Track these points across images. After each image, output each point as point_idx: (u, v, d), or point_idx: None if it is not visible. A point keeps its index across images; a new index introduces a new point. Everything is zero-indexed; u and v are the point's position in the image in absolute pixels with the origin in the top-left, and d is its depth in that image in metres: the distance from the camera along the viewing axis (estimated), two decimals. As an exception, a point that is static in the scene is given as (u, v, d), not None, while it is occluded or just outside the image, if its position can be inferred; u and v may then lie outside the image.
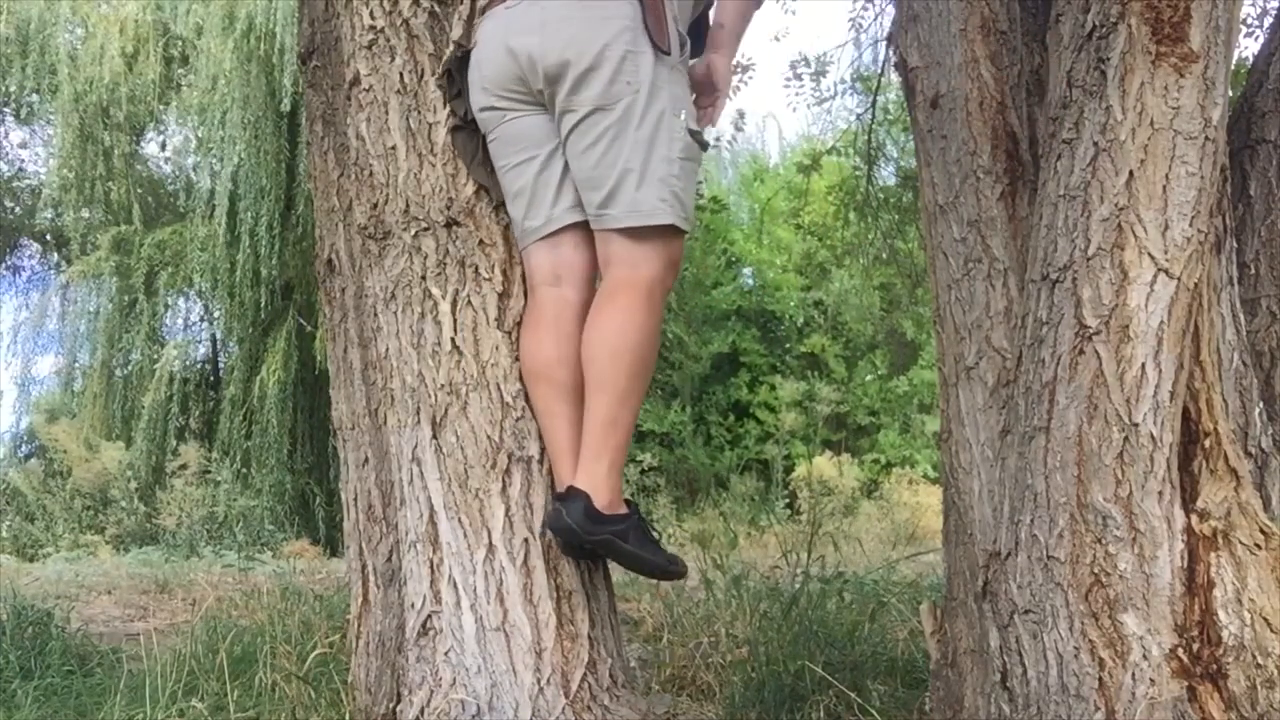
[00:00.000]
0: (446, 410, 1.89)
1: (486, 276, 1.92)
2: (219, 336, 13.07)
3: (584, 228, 1.87)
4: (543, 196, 1.86)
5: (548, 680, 1.82)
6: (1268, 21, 4.45)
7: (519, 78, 1.81)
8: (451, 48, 1.94)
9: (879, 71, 5.86)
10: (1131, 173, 1.58)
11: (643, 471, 11.45)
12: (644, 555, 1.81)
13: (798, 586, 3.00)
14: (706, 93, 1.96)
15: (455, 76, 1.93)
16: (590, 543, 1.75)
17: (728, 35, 1.92)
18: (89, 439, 11.19)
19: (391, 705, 2.02)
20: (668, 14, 1.78)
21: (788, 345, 15.31)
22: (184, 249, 11.63)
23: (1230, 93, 1.71)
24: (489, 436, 1.87)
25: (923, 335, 13.20)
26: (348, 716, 2.20)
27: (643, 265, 1.78)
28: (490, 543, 1.89)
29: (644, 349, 1.77)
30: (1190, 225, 1.57)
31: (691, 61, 1.98)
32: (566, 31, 1.74)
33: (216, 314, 12.61)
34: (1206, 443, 1.63)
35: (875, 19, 6.15)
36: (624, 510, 1.81)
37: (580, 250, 1.87)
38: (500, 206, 1.96)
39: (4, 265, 13.63)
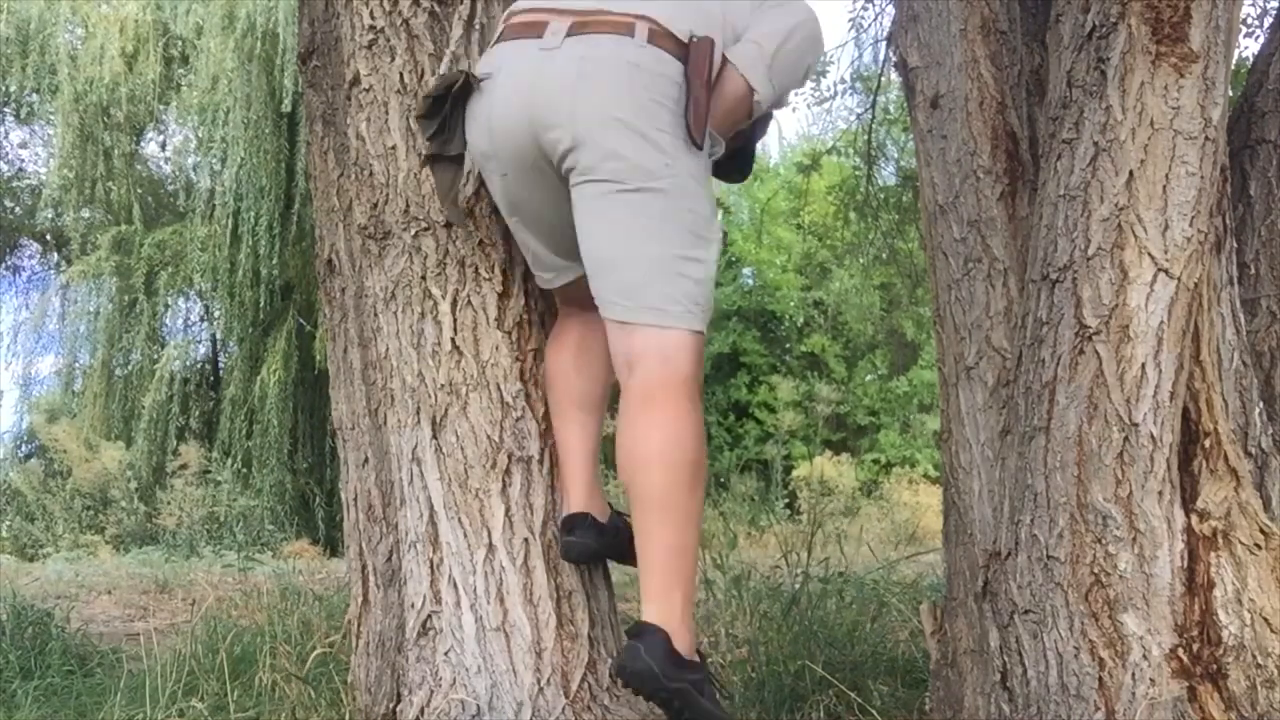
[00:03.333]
0: (446, 410, 1.89)
1: (486, 276, 1.92)
2: (219, 336, 13.07)
3: None
4: (549, 258, 1.74)
5: (548, 680, 1.82)
6: (1268, 21, 4.45)
7: (533, 134, 1.59)
8: (453, 72, 1.74)
9: (879, 71, 5.86)
10: (1131, 173, 1.58)
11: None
12: (717, 715, 1.58)
13: (798, 586, 3.00)
14: None
15: (449, 102, 1.70)
16: (668, 691, 1.51)
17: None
18: (89, 439, 11.20)
19: (391, 705, 2.02)
20: (710, 109, 1.57)
21: (788, 345, 15.33)
22: (184, 249, 11.64)
23: (1230, 93, 1.70)
24: (489, 436, 1.87)
25: (923, 335, 13.22)
26: (348, 716, 2.20)
27: (677, 359, 1.55)
28: (490, 543, 1.89)
29: (699, 457, 1.55)
30: (1190, 225, 1.57)
31: None
32: (601, 96, 1.53)
33: (216, 314, 12.62)
34: (1206, 443, 1.63)
35: (875, 19, 6.16)
36: (698, 658, 1.61)
37: None
38: (500, 206, 1.96)
39: (4, 265, 13.64)
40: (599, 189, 1.54)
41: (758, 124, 1.81)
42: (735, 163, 1.87)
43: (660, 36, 1.55)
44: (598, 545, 1.80)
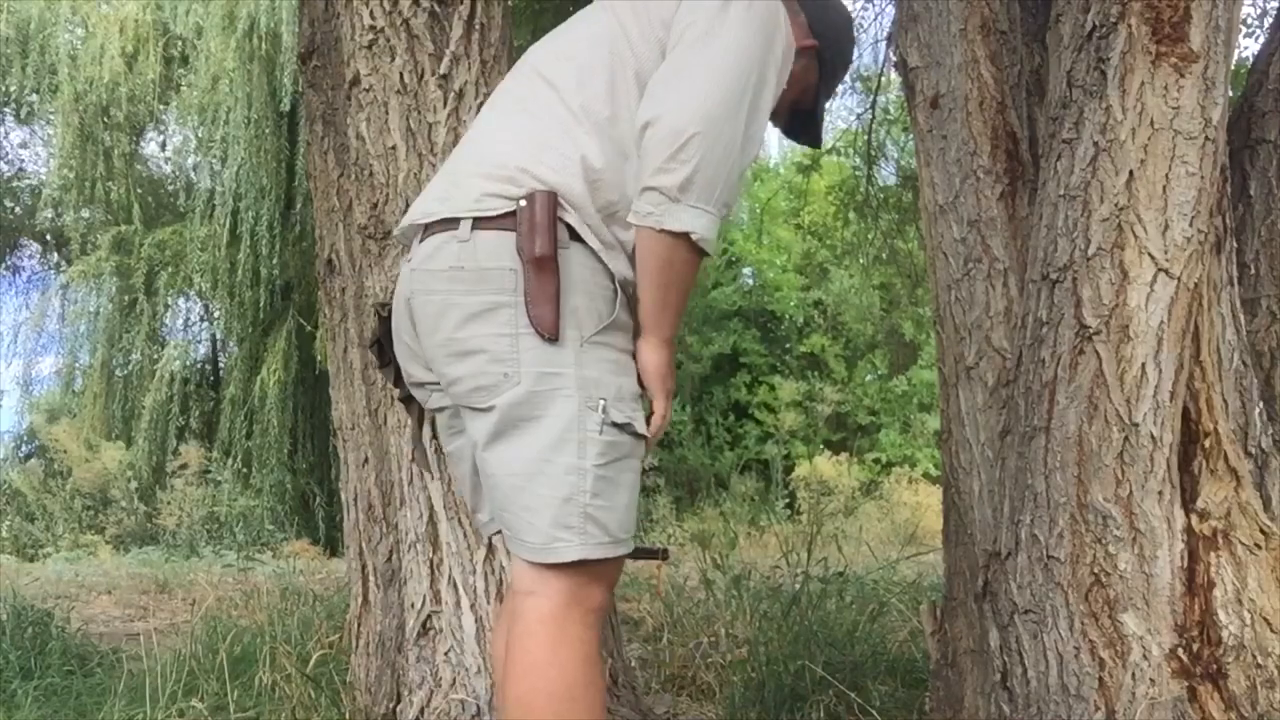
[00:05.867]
0: (446, 410, 1.88)
1: (486, 276, 1.92)
2: (219, 336, 13.09)
3: None
4: (482, 489, 1.45)
5: (548, 680, 1.82)
6: (1268, 21, 4.45)
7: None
8: (373, 315, 1.54)
9: (879, 71, 5.87)
10: (1131, 173, 1.58)
11: (643, 471, 11.44)
12: None
13: (798, 586, 3.01)
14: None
15: (385, 343, 1.52)
16: None
17: (643, 313, 1.38)
18: (89, 439, 11.21)
19: (391, 705, 2.02)
20: (558, 289, 1.29)
21: (788, 345, 15.34)
22: (184, 249, 11.65)
23: (1230, 93, 1.70)
24: (489, 436, 1.86)
25: (923, 335, 13.22)
26: (348, 716, 2.20)
27: (541, 594, 1.31)
28: (490, 543, 1.89)
29: (554, 700, 1.27)
30: (1190, 225, 1.57)
31: None
32: (429, 318, 1.33)
33: (216, 314, 12.63)
34: (1206, 443, 1.63)
35: (875, 19, 6.17)
36: None
37: None
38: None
39: (4, 265, 13.64)
40: (455, 412, 1.38)
41: (823, 83, 1.58)
42: (803, 126, 1.64)
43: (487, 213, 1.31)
44: None
